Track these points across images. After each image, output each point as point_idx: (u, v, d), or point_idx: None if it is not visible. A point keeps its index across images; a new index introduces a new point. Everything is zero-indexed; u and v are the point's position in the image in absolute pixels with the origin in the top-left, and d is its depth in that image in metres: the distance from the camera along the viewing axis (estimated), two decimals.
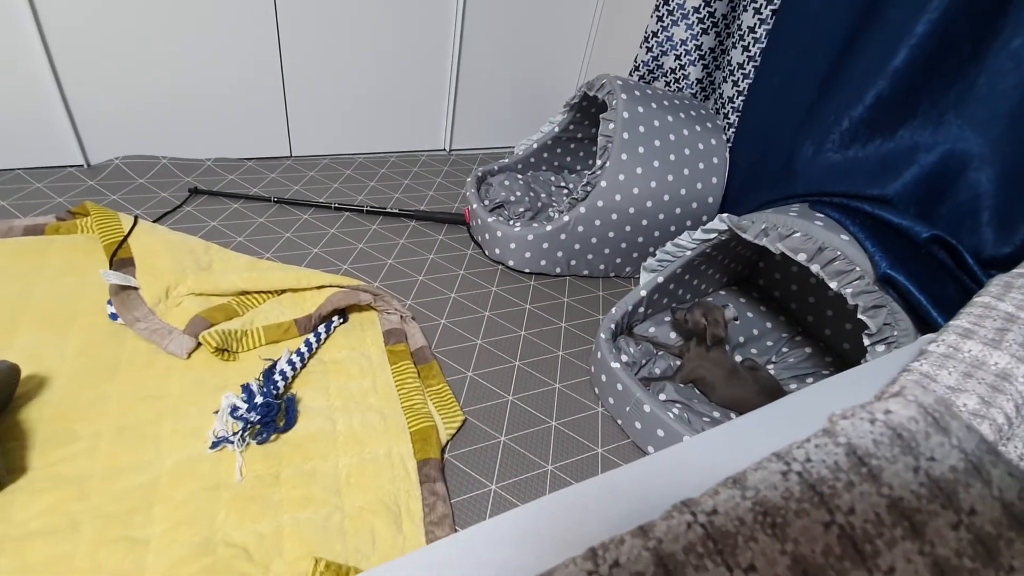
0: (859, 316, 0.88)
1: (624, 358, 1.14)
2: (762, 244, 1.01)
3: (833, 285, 0.90)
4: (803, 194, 1.18)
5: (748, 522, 0.25)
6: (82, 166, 1.54)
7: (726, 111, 1.57)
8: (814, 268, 0.93)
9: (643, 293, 1.22)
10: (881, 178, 1.09)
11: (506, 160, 1.79)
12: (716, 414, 1.07)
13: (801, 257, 0.95)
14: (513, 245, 1.45)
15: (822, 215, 1.03)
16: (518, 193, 1.66)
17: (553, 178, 1.85)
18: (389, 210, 1.61)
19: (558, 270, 1.49)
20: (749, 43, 1.46)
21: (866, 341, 0.87)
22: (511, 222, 1.53)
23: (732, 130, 1.54)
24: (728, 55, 1.54)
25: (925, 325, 0.86)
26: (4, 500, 0.73)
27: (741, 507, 0.26)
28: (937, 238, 0.95)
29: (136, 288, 1.10)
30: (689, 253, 1.22)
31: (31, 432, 0.82)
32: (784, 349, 1.29)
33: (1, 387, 0.82)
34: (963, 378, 0.41)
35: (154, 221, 1.37)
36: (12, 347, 0.95)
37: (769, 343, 1.32)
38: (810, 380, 1.20)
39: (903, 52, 1.04)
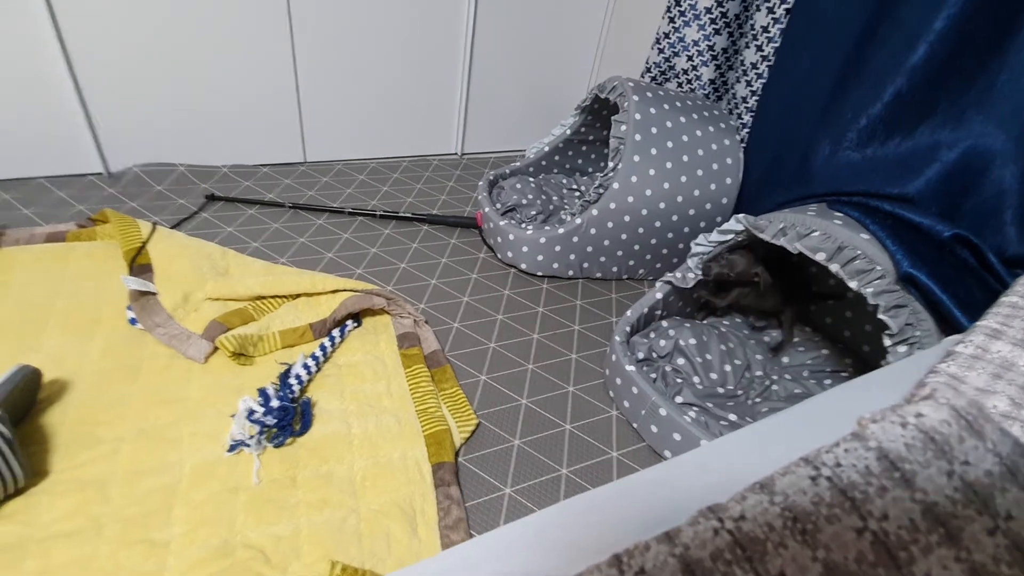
0: (880, 316, 0.86)
1: (641, 354, 1.13)
2: (780, 244, 0.99)
3: (853, 285, 0.89)
4: (821, 194, 1.16)
5: (777, 528, 0.24)
6: (102, 174, 1.57)
7: (739, 112, 1.56)
8: (833, 268, 0.91)
9: (659, 296, 1.21)
10: (901, 176, 1.07)
11: (518, 163, 1.79)
12: (733, 417, 1.06)
13: (820, 256, 0.93)
14: (525, 248, 1.44)
15: (841, 214, 1.02)
16: (530, 196, 1.66)
17: (565, 181, 1.85)
18: (402, 214, 1.61)
19: (571, 273, 1.49)
20: (763, 43, 1.45)
21: (887, 342, 0.86)
22: (523, 225, 1.53)
23: (746, 131, 1.52)
24: (741, 55, 1.53)
25: (948, 325, 0.84)
26: (28, 503, 0.74)
27: (770, 513, 0.25)
28: (959, 237, 0.94)
29: (155, 293, 1.12)
30: (706, 256, 1.20)
31: (54, 435, 0.84)
32: (801, 349, 1.27)
33: (25, 391, 0.84)
34: (992, 379, 0.40)
35: (172, 227, 1.39)
36: (37, 351, 0.97)
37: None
38: (828, 382, 1.18)
39: (922, 48, 1.02)
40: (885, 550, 0.23)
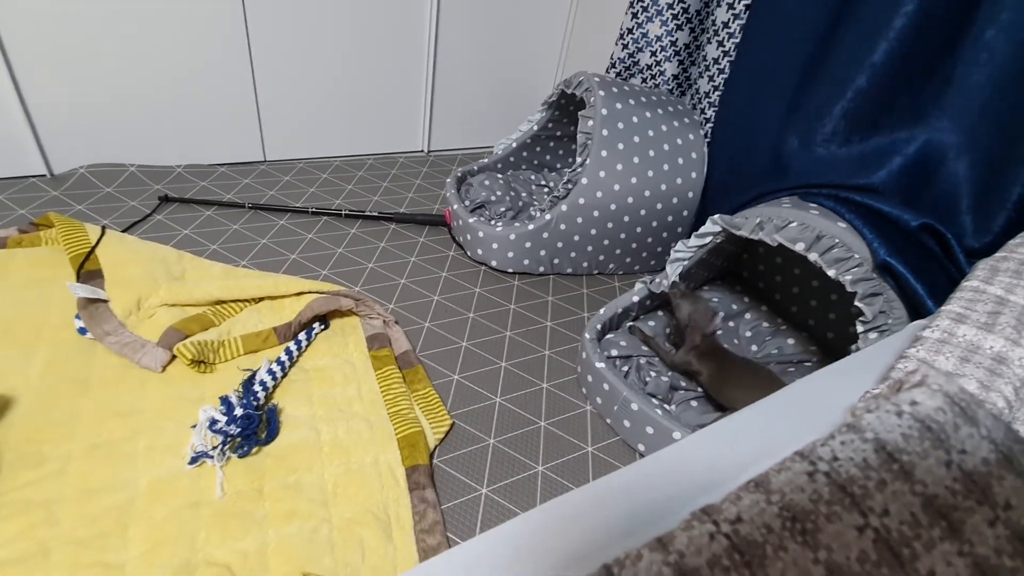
0: (856, 303, 0.88)
1: (615, 352, 1.13)
2: (758, 239, 1.00)
3: (831, 273, 0.90)
4: (791, 187, 1.18)
5: (776, 529, 0.23)
6: (45, 176, 1.48)
7: (703, 106, 1.58)
8: (812, 257, 0.92)
9: (635, 299, 1.21)
10: (865, 169, 1.09)
11: (485, 160, 1.77)
12: (695, 404, 1.07)
13: (799, 247, 0.94)
14: (495, 245, 1.43)
15: (815, 204, 1.04)
16: (499, 193, 1.64)
17: (533, 177, 1.84)
18: (368, 213, 1.58)
19: (541, 269, 1.48)
20: (723, 38, 1.47)
21: (860, 328, 0.87)
22: (492, 222, 1.51)
23: (709, 125, 1.54)
24: (703, 51, 1.55)
25: (917, 314, 0.86)
26: None
27: (767, 513, 0.24)
28: (927, 226, 0.96)
29: (106, 301, 1.06)
30: (688, 262, 1.20)
31: None
32: (768, 339, 1.30)
33: None
34: (960, 363, 0.41)
35: (123, 231, 1.32)
36: None
37: (750, 334, 1.32)
38: (792, 370, 1.21)
39: (881, 46, 1.05)
40: (888, 548, 0.23)
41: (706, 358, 1.07)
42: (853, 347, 0.87)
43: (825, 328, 1.29)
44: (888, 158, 1.09)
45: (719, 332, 1.13)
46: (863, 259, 0.89)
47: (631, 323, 1.24)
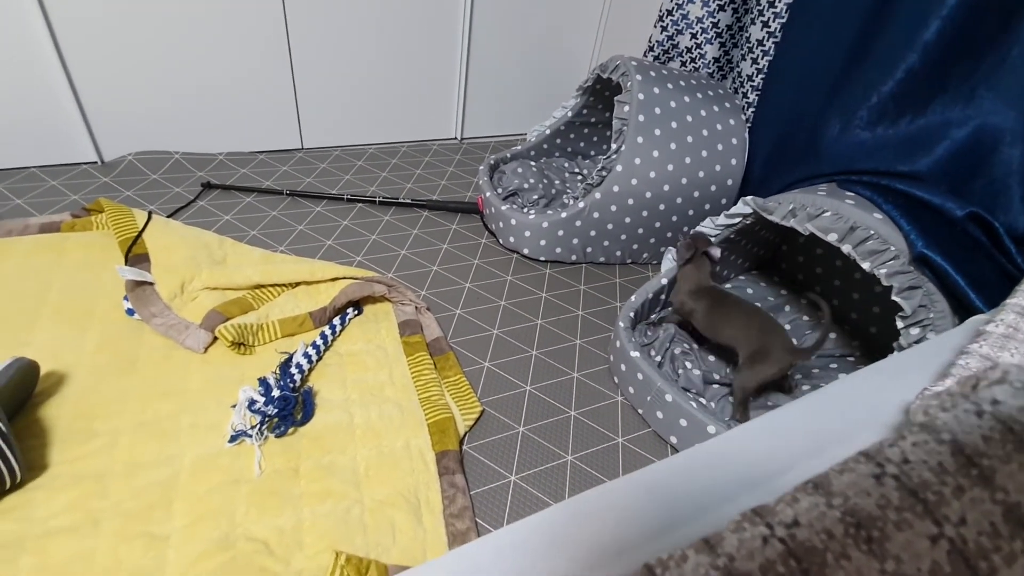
0: (893, 298, 0.84)
1: (645, 341, 1.11)
2: (790, 225, 0.97)
3: (865, 266, 0.86)
4: (830, 173, 1.14)
5: (838, 536, 0.22)
6: (96, 163, 1.54)
7: (744, 90, 1.52)
8: (845, 248, 0.89)
9: (663, 281, 1.18)
10: (912, 154, 1.04)
11: (519, 147, 1.76)
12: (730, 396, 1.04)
13: (832, 237, 0.91)
14: (528, 233, 1.42)
15: (852, 194, 0.99)
16: (531, 180, 1.63)
17: (567, 164, 1.82)
18: (401, 200, 1.59)
19: (574, 257, 1.46)
20: (769, 19, 1.41)
21: (900, 324, 0.84)
22: (525, 210, 1.50)
23: (751, 109, 1.49)
24: (746, 32, 1.49)
25: (960, 306, 0.82)
26: (25, 498, 0.73)
27: (828, 518, 0.22)
28: (974, 215, 0.91)
29: (152, 283, 1.10)
30: (712, 240, 1.18)
31: (50, 429, 0.82)
32: (807, 332, 1.25)
33: (21, 384, 0.82)
34: None
35: (168, 216, 1.36)
36: (31, 344, 0.95)
37: (789, 327, 1.28)
38: (834, 366, 1.16)
39: (934, 24, 0.99)
40: (963, 560, 0.21)
41: (700, 296, 1.08)
42: (895, 343, 0.84)
43: (868, 322, 1.24)
44: (936, 143, 1.03)
45: (717, 256, 1.12)
46: (899, 251, 0.85)
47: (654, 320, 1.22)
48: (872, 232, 0.88)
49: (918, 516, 0.22)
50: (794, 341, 1.00)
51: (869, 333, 1.23)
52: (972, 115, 1.02)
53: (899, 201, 0.92)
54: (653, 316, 1.21)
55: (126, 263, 1.14)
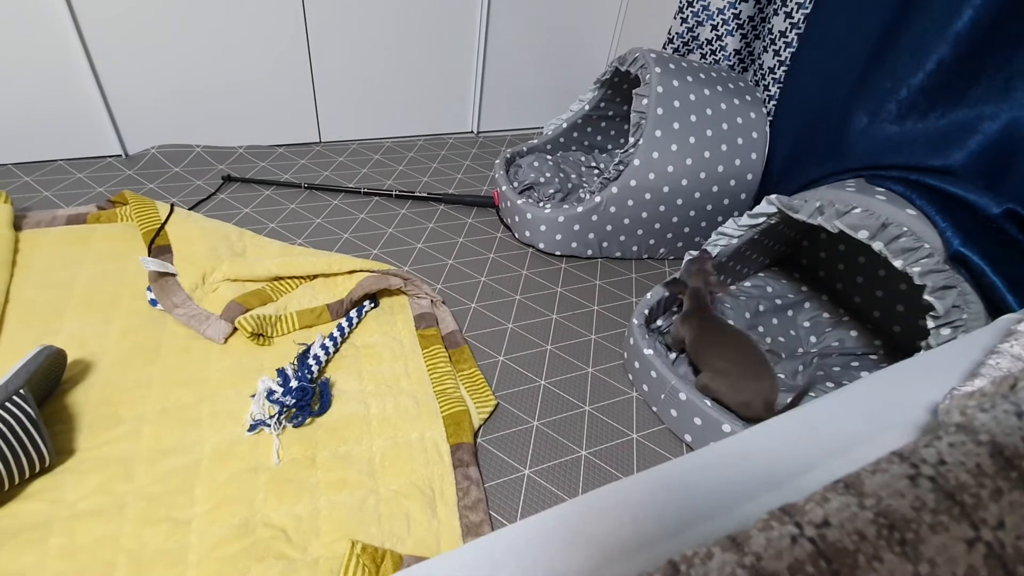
0: (926, 297, 0.82)
1: (661, 339, 1.11)
2: (817, 223, 0.94)
3: (897, 264, 0.84)
4: (856, 168, 1.11)
5: (870, 537, 0.21)
6: (120, 156, 1.58)
7: (766, 83, 1.49)
8: (876, 246, 0.86)
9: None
10: (942, 149, 1.01)
11: (535, 141, 1.75)
12: None
13: (863, 235, 0.88)
14: (543, 227, 1.42)
15: (883, 189, 0.96)
16: (548, 174, 1.62)
17: (583, 158, 1.80)
18: (418, 194, 1.59)
19: (590, 252, 1.46)
20: (792, 9, 1.38)
21: (930, 324, 0.81)
22: (541, 204, 1.50)
23: (773, 103, 1.46)
24: (769, 23, 1.46)
25: (995, 308, 0.80)
26: (55, 481, 0.76)
27: (860, 518, 0.22)
28: (1011, 212, 0.88)
29: (174, 275, 1.12)
30: (736, 241, 1.16)
31: (78, 415, 0.85)
32: (827, 330, 1.23)
33: (50, 371, 0.85)
34: None
35: (189, 209, 1.39)
36: (59, 332, 0.98)
37: (808, 324, 1.26)
38: (855, 364, 1.15)
39: (967, 13, 0.96)
40: (1001, 565, 0.20)
41: (690, 320, 1.04)
42: (923, 343, 0.82)
43: (892, 321, 1.21)
44: (968, 137, 1.00)
45: (717, 284, 1.07)
46: (933, 249, 0.83)
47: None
48: (905, 229, 0.85)
49: (954, 519, 0.21)
50: (778, 394, 0.92)
51: (892, 331, 1.21)
52: (1006, 108, 0.99)
53: (932, 197, 0.90)
54: (660, 322, 1.18)
55: (149, 254, 1.16)
